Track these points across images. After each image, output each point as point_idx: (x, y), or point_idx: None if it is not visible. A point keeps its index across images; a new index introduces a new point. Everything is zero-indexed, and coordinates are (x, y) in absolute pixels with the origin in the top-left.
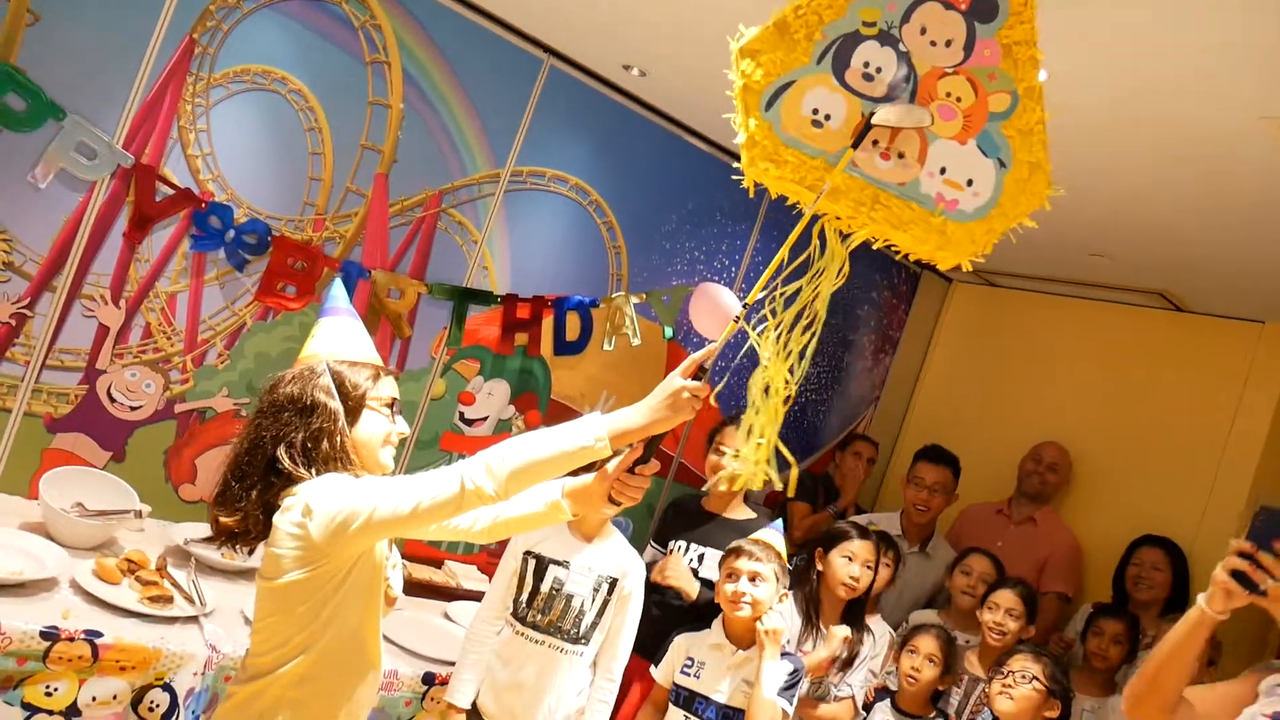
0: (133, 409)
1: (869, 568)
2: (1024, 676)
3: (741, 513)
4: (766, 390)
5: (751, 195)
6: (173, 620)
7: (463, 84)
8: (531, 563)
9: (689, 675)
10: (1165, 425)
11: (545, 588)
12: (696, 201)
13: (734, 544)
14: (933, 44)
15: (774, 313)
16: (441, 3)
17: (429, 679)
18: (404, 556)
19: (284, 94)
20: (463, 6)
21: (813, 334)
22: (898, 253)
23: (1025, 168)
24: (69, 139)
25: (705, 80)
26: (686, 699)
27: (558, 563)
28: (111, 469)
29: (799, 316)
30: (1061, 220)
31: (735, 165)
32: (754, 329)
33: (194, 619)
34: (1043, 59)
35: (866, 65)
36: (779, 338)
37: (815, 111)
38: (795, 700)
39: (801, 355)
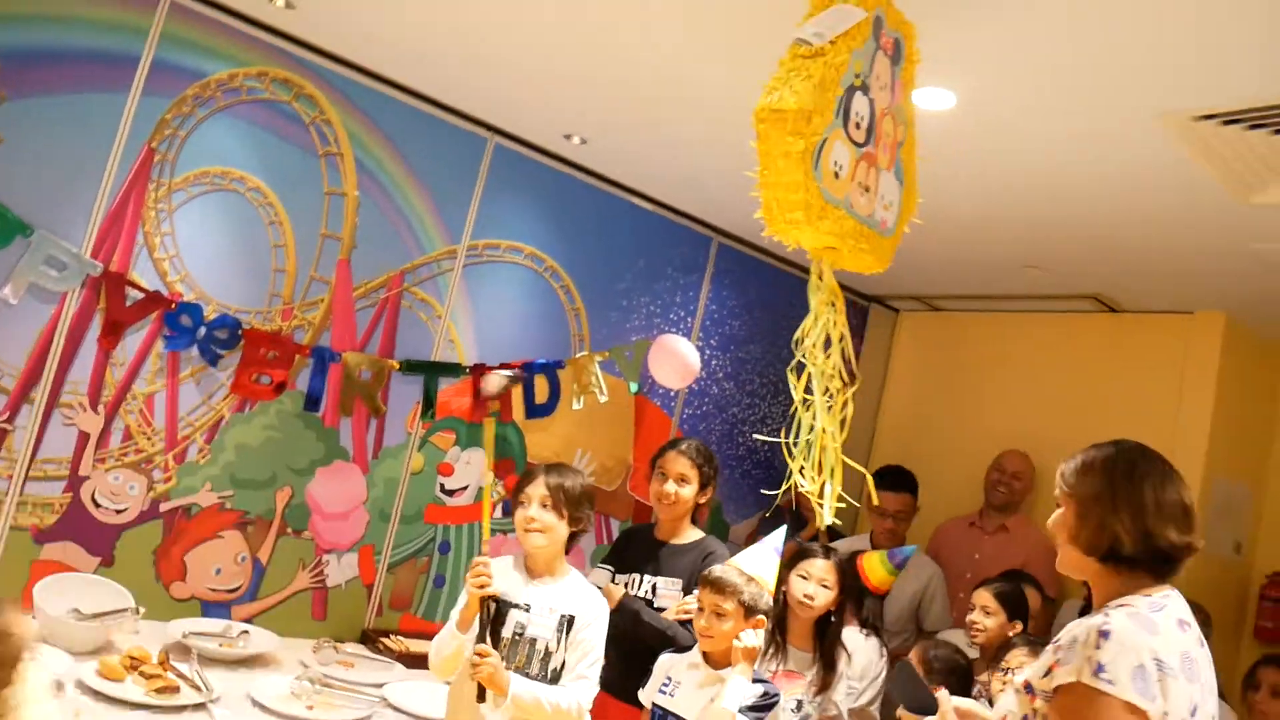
0: (118, 512)
1: (825, 586)
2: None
3: (688, 536)
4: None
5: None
6: (182, 709)
7: (413, 167)
8: (490, 607)
9: (665, 694)
10: (1116, 420)
11: (507, 633)
12: (647, 259)
13: (705, 574)
14: (880, 89)
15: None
16: (386, 93)
17: None
18: (401, 632)
19: (243, 192)
20: (406, 95)
21: (844, 375)
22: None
23: (910, 183)
24: (38, 254)
25: (644, 142)
26: (660, 717)
27: (519, 607)
28: (101, 574)
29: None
30: (993, 238)
31: (682, 220)
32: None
33: (203, 705)
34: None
35: (857, 115)
36: (816, 372)
37: (836, 164)
38: None
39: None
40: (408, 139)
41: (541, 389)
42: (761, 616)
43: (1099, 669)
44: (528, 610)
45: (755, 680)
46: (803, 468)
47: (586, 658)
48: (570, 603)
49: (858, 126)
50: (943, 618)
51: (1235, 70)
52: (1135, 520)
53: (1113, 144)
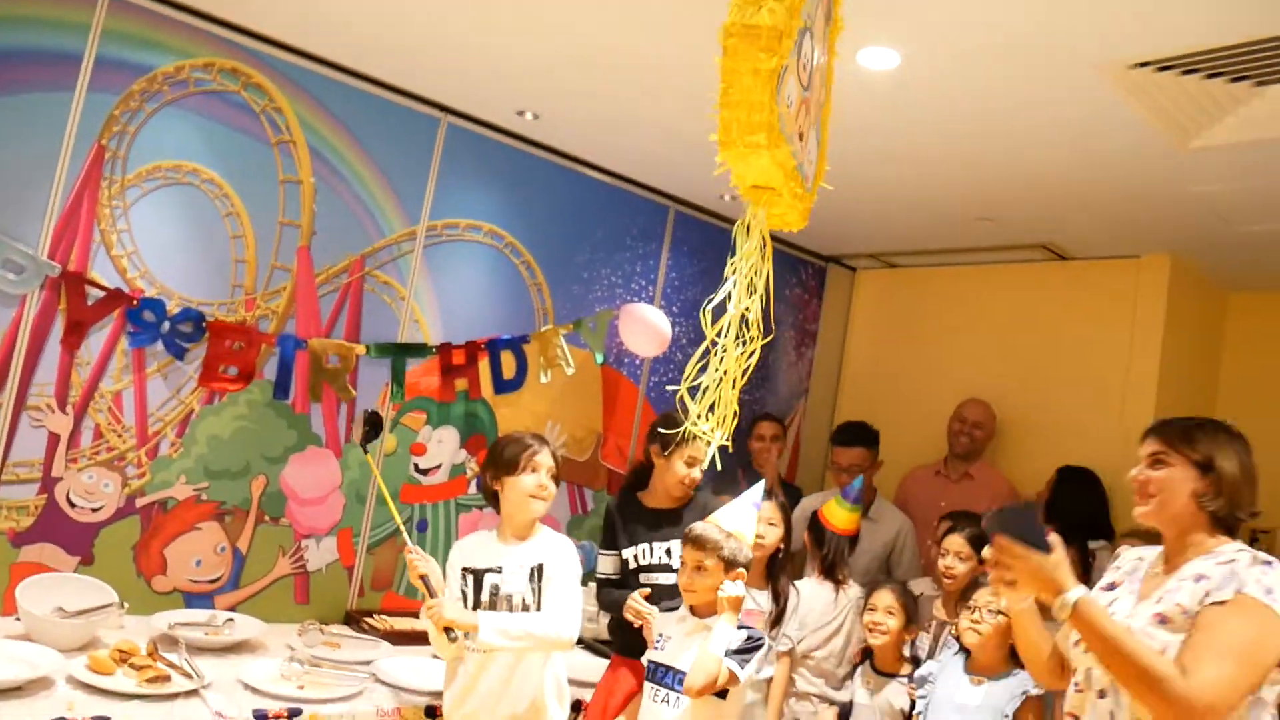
0: (94, 510)
1: (772, 525)
2: (990, 610)
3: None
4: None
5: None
6: (174, 696)
7: (367, 151)
8: (470, 578)
9: (659, 649)
10: (1071, 364)
11: (485, 597)
12: (605, 230)
13: (686, 531)
14: (819, 41)
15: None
16: (335, 78)
17: (431, 711)
18: (384, 611)
19: (198, 185)
20: (355, 79)
21: (759, 313)
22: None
23: (824, 147)
24: None
25: (596, 115)
26: (655, 670)
27: (493, 570)
28: (82, 573)
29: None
30: (944, 192)
31: (639, 190)
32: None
33: (195, 692)
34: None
35: (805, 56)
36: (727, 332)
37: (788, 99)
38: (751, 667)
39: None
40: (360, 123)
41: (508, 364)
42: (741, 569)
43: (1269, 590)
44: (500, 572)
45: (741, 627)
46: (701, 408)
47: (559, 593)
48: (538, 554)
49: (804, 68)
50: (913, 566)
51: (1167, 18)
52: (1248, 486)
53: (1052, 95)
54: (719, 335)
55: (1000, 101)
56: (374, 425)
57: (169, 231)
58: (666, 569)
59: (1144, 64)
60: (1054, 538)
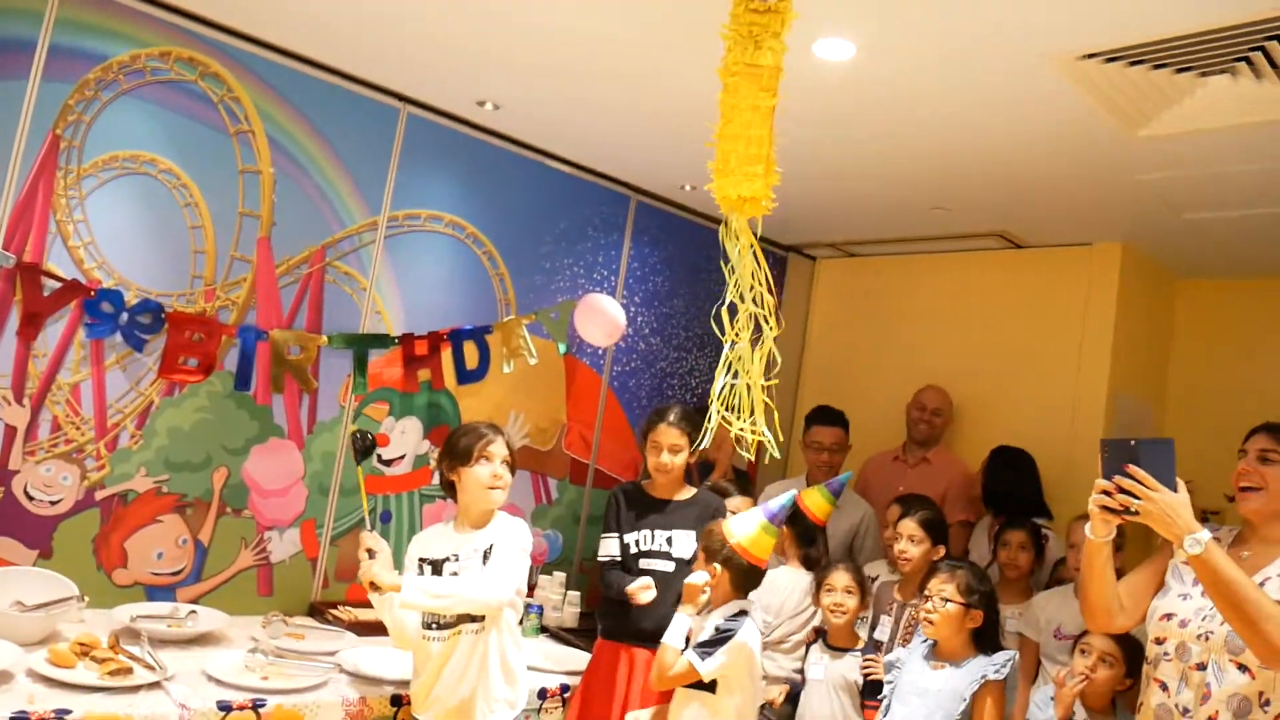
0: (52, 503)
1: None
2: (941, 598)
3: (687, 493)
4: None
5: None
6: (137, 688)
7: (327, 141)
8: (428, 569)
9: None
10: (1025, 351)
11: None
12: (567, 221)
13: (702, 541)
14: None
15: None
16: (294, 68)
17: (396, 700)
18: (348, 603)
19: (155, 175)
20: (314, 68)
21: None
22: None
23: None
24: None
25: (557, 106)
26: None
27: (449, 559)
28: (41, 566)
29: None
30: (900, 182)
31: (600, 180)
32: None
33: (157, 684)
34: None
35: None
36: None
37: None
38: (715, 660)
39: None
40: (319, 113)
41: (471, 355)
42: (715, 566)
43: None
44: (457, 560)
45: (725, 618)
46: (728, 409)
47: (494, 559)
48: (490, 537)
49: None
50: (875, 551)
51: (1114, 10)
52: None
53: (1003, 86)
54: (735, 337)
55: (953, 92)
56: (363, 448)
57: (127, 222)
58: (666, 556)
59: (1092, 55)
60: (1182, 484)
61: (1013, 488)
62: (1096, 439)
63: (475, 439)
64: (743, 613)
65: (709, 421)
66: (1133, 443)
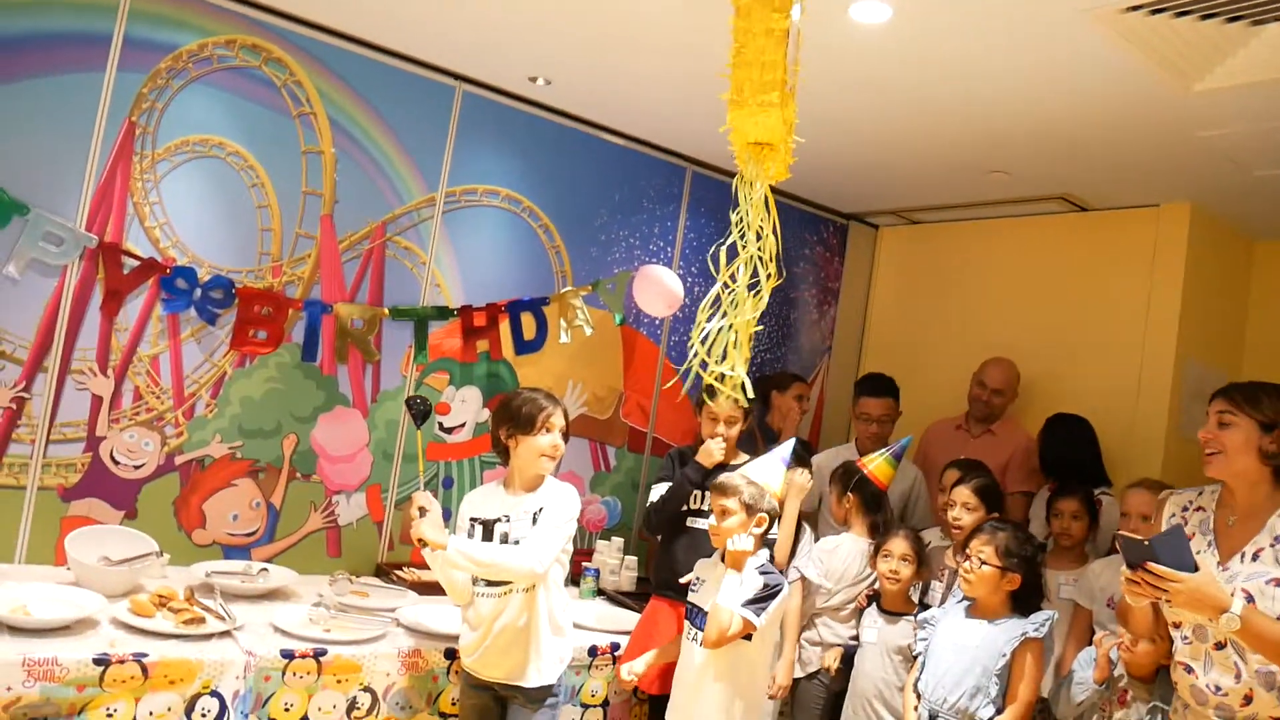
0: (136, 468)
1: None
2: (979, 559)
3: (741, 458)
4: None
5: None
6: (208, 637)
7: (386, 120)
8: (479, 529)
9: (694, 591)
10: (1091, 316)
11: (496, 543)
12: (622, 193)
13: (713, 481)
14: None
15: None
16: (352, 50)
17: (449, 654)
18: (413, 565)
19: (224, 157)
20: (372, 50)
21: (769, 264)
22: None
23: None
24: (35, 231)
25: (607, 79)
26: (691, 611)
27: (501, 520)
28: (126, 525)
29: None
30: (954, 145)
31: (654, 152)
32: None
33: (227, 633)
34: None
35: (796, 18)
36: (735, 280)
37: (791, 55)
38: (769, 614)
39: (754, 291)
40: (377, 93)
41: (529, 326)
42: (762, 514)
43: None
44: (508, 520)
45: (763, 573)
46: (709, 353)
47: (539, 528)
48: (541, 500)
49: (797, 31)
50: (926, 515)
51: None
52: None
53: (1047, 43)
54: (731, 279)
55: (995, 53)
56: (421, 413)
57: (198, 203)
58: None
59: (1136, 7)
60: (1203, 560)
61: (1068, 453)
62: (1163, 405)
63: (536, 409)
64: (771, 559)
65: (695, 363)
66: (1146, 543)
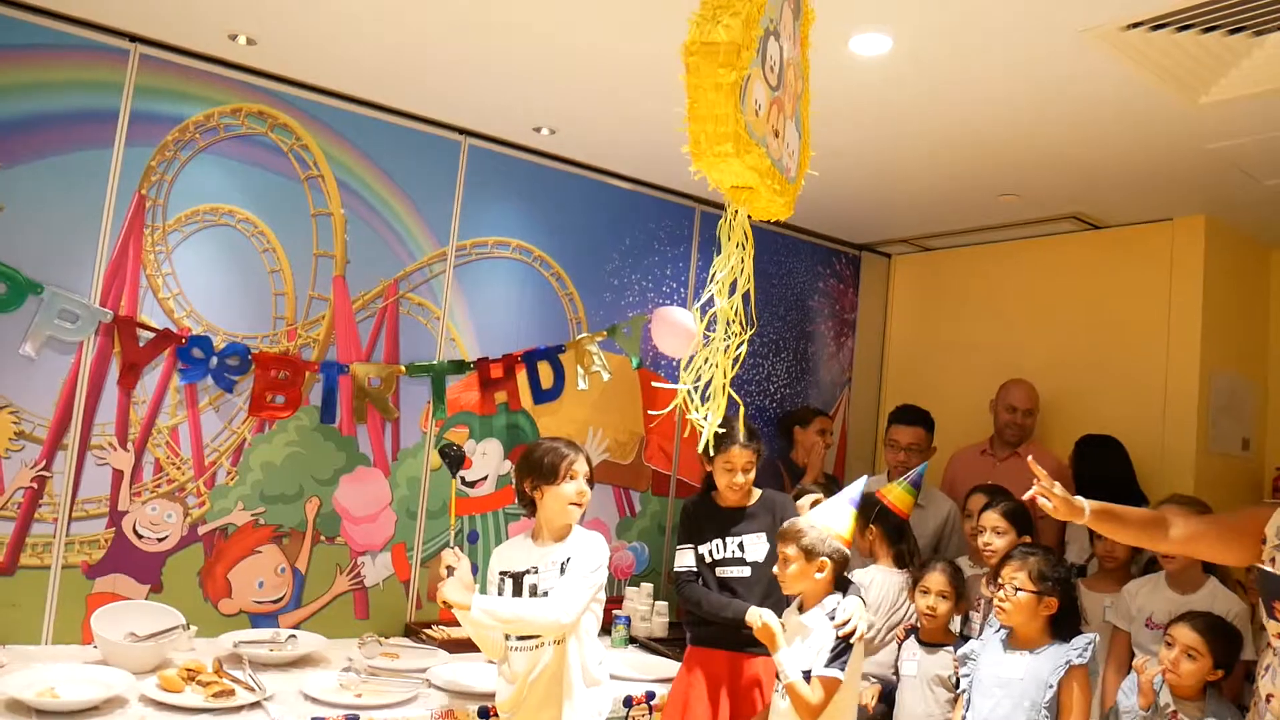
0: (160, 540)
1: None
2: (1013, 586)
3: (754, 498)
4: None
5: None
6: (239, 709)
7: (393, 179)
8: (509, 582)
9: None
10: (1111, 334)
11: (525, 597)
12: (632, 237)
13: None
14: (788, 39)
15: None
16: (356, 111)
17: (484, 712)
18: (442, 622)
19: (234, 225)
20: (376, 110)
21: (736, 302)
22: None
23: (806, 136)
24: (51, 309)
25: (610, 125)
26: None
27: (530, 571)
28: (152, 599)
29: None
30: (962, 171)
31: (662, 194)
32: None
33: (258, 704)
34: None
35: (771, 59)
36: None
37: (756, 103)
38: (850, 664)
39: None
40: (384, 152)
41: (546, 375)
42: (824, 559)
43: None
44: (536, 572)
45: (832, 619)
46: (691, 398)
47: (566, 578)
48: (568, 550)
49: (772, 70)
50: (961, 547)
51: None
52: None
53: (1049, 65)
54: (707, 330)
55: (998, 78)
56: (455, 459)
57: (211, 271)
58: (740, 562)
59: (1136, 25)
60: None
61: (1104, 472)
62: (1191, 420)
63: (559, 458)
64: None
65: (683, 401)
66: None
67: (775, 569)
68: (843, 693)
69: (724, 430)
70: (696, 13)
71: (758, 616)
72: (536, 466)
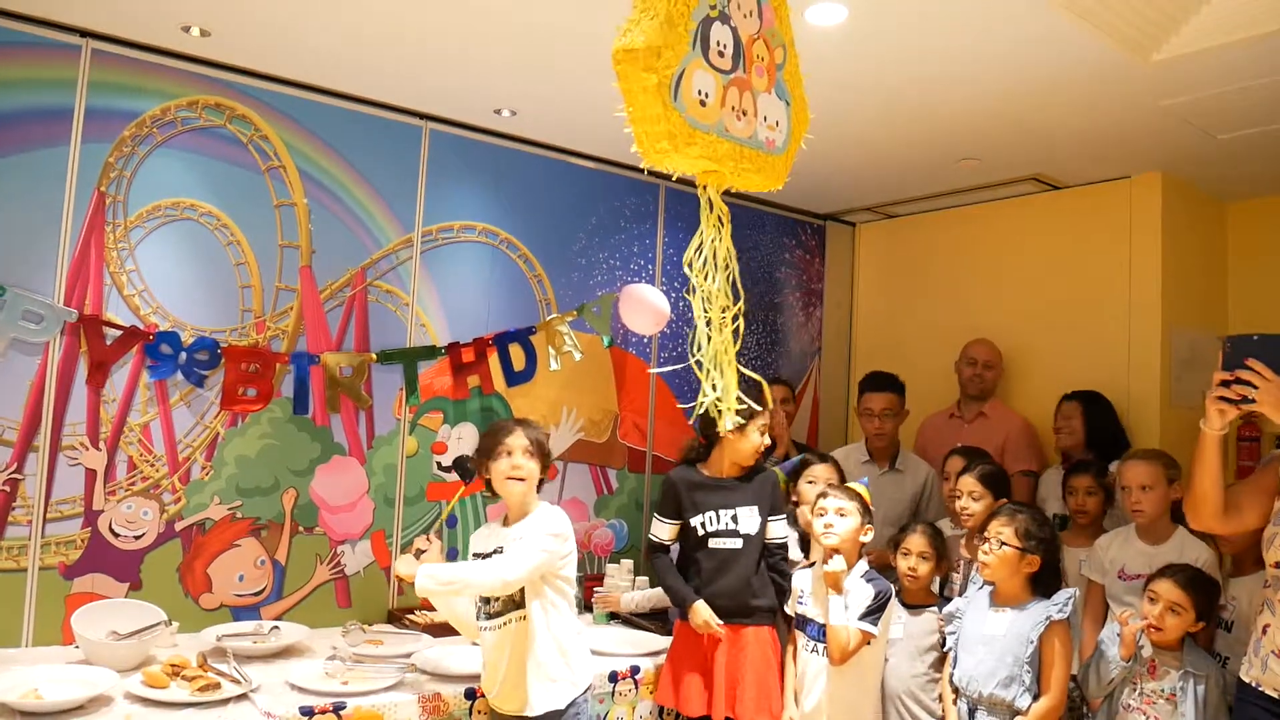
0: (137, 538)
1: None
2: (998, 540)
3: (744, 470)
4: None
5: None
6: (225, 702)
7: (355, 167)
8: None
9: (802, 604)
10: (1074, 292)
11: None
12: (598, 216)
13: (821, 489)
14: (745, 16)
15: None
16: (316, 100)
17: (470, 694)
18: (424, 608)
19: (196, 219)
20: (335, 98)
21: (729, 275)
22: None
23: (798, 102)
24: (14, 311)
25: (570, 105)
26: (800, 622)
27: (497, 551)
28: (132, 597)
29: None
30: (921, 138)
31: (626, 172)
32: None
33: (244, 696)
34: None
35: (719, 44)
36: (704, 293)
37: (700, 92)
38: (884, 622)
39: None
40: (344, 140)
41: (517, 357)
42: (869, 524)
43: None
44: (501, 552)
45: (869, 580)
46: (709, 381)
47: (520, 543)
48: (529, 526)
49: (720, 54)
50: (940, 510)
51: None
52: None
53: (1003, 28)
54: (704, 311)
55: (951, 44)
56: (468, 470)
57: (175, 266)
58: (734, 534)
59: None
60: None
61: (1108, 424)
62: (1154, 375)
63: (493, 436)
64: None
65: (707, 397)
66: (1255, 337)
67: (836, 564)
68: (873, 646)
69: (743, 406)
70: (628, 17)
71: (701, 615)
72: (480, 449)
